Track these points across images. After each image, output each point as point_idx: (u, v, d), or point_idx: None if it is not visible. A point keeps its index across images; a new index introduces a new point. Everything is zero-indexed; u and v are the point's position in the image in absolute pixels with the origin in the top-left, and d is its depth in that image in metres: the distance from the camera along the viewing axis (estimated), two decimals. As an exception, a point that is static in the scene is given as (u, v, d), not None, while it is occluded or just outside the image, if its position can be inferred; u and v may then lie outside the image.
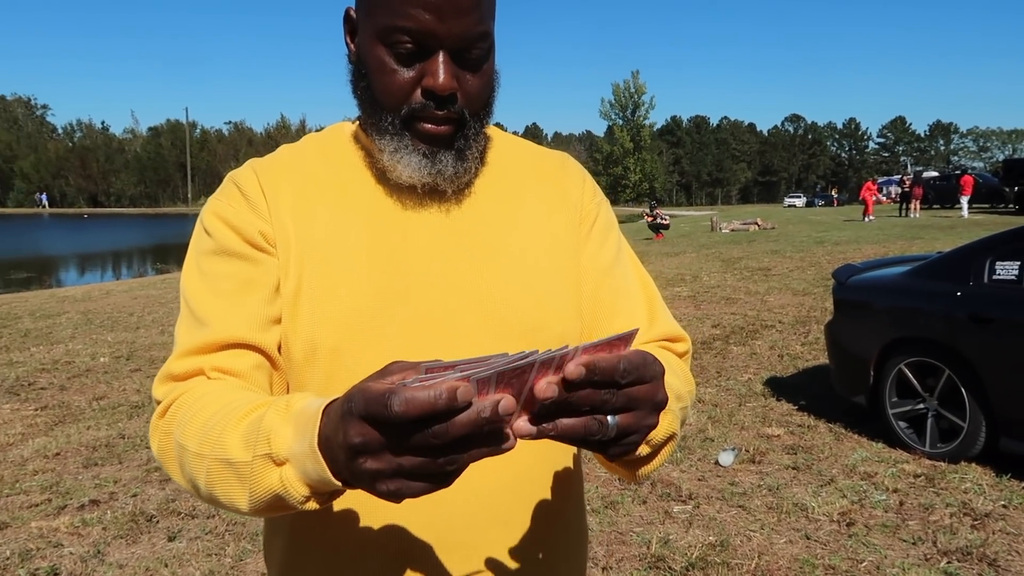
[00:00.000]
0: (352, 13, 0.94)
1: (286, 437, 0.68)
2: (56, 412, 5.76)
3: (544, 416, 0.62)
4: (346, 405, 0.59)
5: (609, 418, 0.63)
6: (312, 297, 0.89)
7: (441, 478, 0.59)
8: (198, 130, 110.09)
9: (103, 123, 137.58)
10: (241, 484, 0.72)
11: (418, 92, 0.87)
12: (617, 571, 3.12)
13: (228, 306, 0.87)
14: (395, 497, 0.60)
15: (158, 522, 3.69)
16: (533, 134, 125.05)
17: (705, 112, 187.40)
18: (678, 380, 0.90)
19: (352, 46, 0.94)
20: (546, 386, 0.59)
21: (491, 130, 1.04)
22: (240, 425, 0.73)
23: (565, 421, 0.62)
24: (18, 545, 3.45)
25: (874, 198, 27.24)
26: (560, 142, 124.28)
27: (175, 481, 0.83)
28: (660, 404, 0.66)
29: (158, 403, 0.86)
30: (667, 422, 0.81)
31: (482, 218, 0.96)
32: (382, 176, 0.94)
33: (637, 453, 0.78)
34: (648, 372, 0.65)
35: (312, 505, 0.69)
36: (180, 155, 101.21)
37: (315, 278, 0.90)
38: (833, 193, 62.11)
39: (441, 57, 0.85)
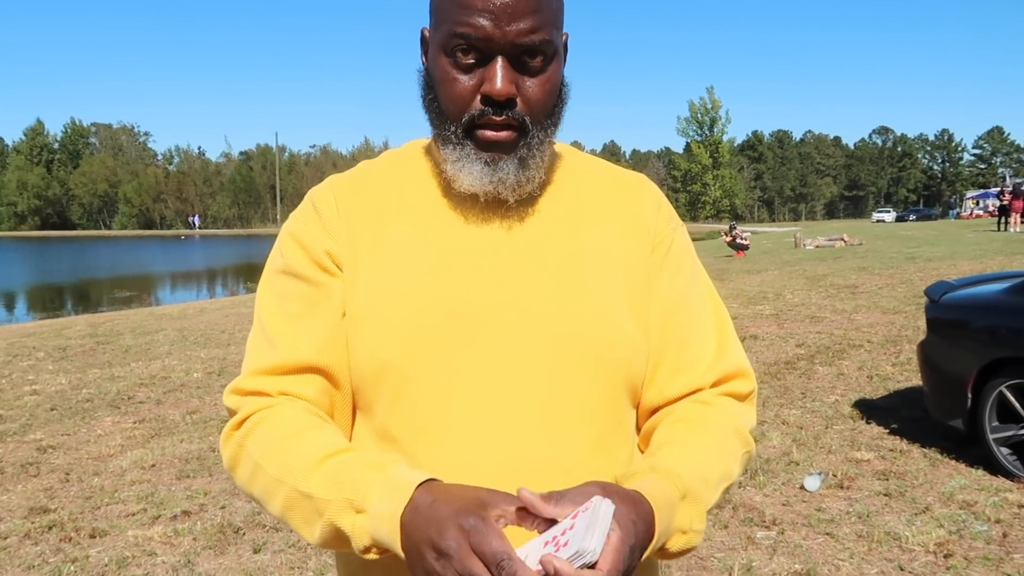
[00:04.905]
0: (425, 33, 0.96)
1: (372, 495, 0.76)
2: (152, 425, 6.04)
3: None
4: (461, 517, 0.69)
5: None
6: (377, 317, 0.90)
7: None
8: (287, 154, 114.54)
9: (199, 148, 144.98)
10: (319, 516, 0.80)
11: (478, 99, 0.88)
12: (697, 597, 3.04)
13: (295, 329, 0.92)
14: None
15: (244, 534, 3.81)
16: (611, 151, 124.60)
17: (788, 126, 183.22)
18: (720, 461, 0.90)
19: (425, 62, 0.96)
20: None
21: (563, 148, 1.02)
22: (323, 465, 0.81)
23: None
24: (116, 553, 3.62)
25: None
26: (638, 159, 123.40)
27: (239, 486, 0.90)
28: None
29: (231, 412, 0.92)
30: (688, 514, 0.82)
31: (546, 236, 0.95)
32: (448, 188, 0.95)
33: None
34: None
35: (369, 556, 0.78)
36: (270, 178, 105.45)
37: (381, 296, 0.91)
38: (970, 203, 55.20)
39: (499, 62, 0.86)
